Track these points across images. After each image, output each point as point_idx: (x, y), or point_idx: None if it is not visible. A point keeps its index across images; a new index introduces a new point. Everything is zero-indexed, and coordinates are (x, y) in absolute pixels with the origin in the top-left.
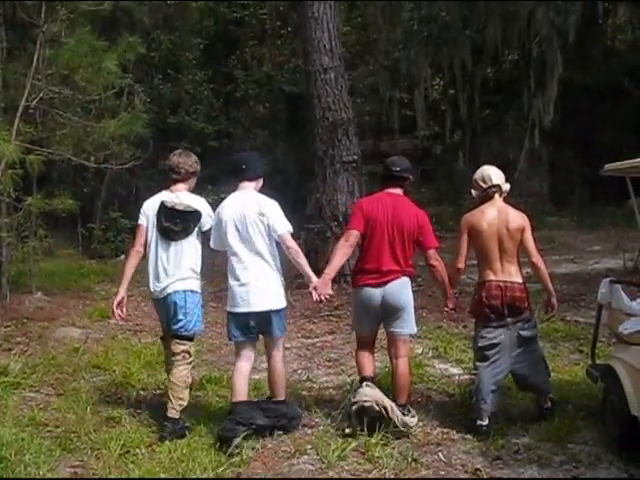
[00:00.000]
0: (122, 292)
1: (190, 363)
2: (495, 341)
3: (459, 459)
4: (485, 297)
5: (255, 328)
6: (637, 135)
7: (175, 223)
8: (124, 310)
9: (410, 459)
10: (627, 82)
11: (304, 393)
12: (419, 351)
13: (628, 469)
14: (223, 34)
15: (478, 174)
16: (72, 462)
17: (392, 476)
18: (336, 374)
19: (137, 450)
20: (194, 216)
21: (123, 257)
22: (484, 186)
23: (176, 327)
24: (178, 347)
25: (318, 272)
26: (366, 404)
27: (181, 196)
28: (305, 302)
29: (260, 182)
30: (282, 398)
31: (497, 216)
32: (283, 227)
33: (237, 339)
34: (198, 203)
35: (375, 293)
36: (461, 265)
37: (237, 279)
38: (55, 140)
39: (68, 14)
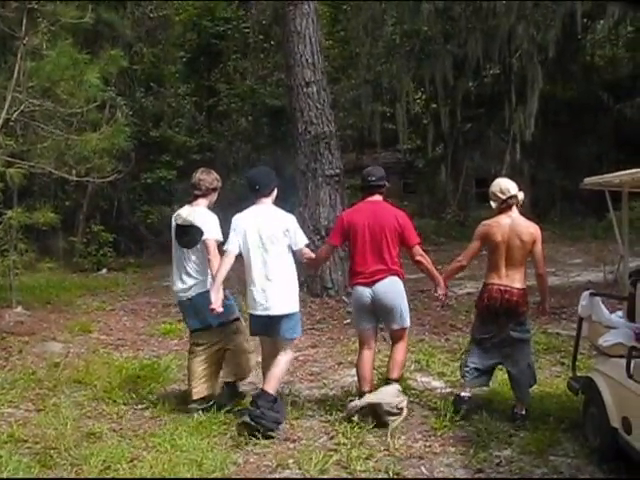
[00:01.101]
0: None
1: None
2: (487, 335)
3: (441, 472)
4: (486, 298)
5: (269, 328)
6: (617, 148)
7: (181, 235)
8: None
9: (392, 473)
10: (606, 97)
11: (287, 407)
12: None
13: None
14: (206, 47)
15: (496, 187)
16: None
17: None
18: (318, 388)
19: (118, 465)
20: (195, 230)
21: (105, 271)
22: (503, 197)
23: (215, 321)
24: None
25: (301, 285)
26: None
27: (192, 211)
28: None
29: (274, 193)
30: (272, 393)
31: (510, 228)
32: (302, 241)
33: (259, 336)
34: (201, 217)
35: (365, 292)
36: (464, 262)
37: (256, 285)
38: (36, 153)
39: (49, 26)
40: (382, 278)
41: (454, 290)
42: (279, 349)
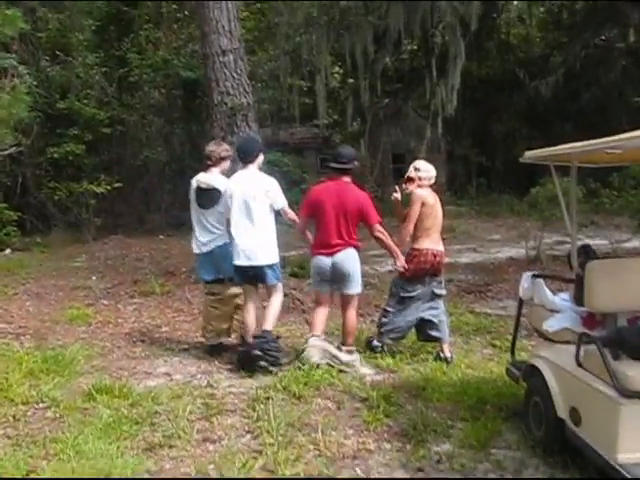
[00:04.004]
0: None
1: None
2: (414, 294)
3: (379, 473)
4: (423, 261)
5: (254, 277)
6: (529, 126)
7: (202, 197)
8: None
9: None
10: (522, 74)
11: (205, 401)
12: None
13: (554, 473)
14: (116, 15)
15: (432, 171)
16: None
17: None
18: (240, 378)
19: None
20: (214, 193)
21: (8, 252)
22: (428, 178)
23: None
24: (228, 290)
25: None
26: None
27: (209, 176)
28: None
29: (260, 158)
30: (269, 329)
31: (435, 196)
32: (282, 203)
33: (243, 286)
34: (220, 182)
35: (326, 261)
36: (411, 226)
37: (241, 240)
38: None
39: None
40: (341, 250)
41: (376, 268)
42: (268, 293)
